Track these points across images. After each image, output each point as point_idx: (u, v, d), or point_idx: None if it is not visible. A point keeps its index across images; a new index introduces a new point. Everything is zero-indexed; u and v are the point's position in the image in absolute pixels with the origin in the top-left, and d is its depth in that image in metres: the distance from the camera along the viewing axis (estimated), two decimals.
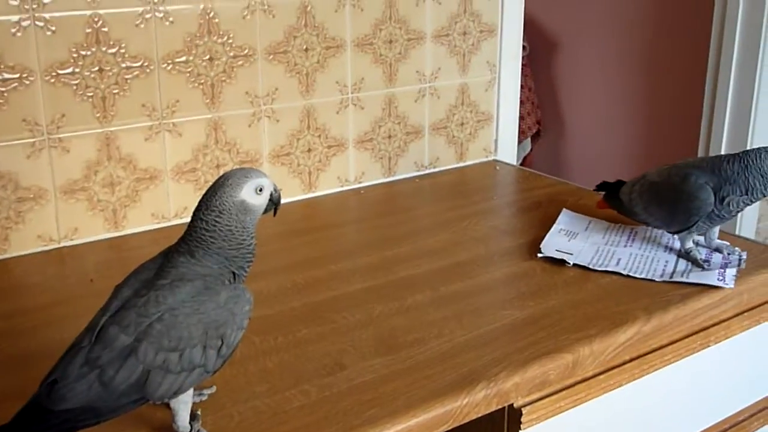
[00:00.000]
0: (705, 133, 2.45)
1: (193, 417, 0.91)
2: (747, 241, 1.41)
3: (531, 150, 3.35)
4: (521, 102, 3.25)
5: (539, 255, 1.33)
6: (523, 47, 3.23)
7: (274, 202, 0.93)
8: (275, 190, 0.92)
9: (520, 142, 3.26)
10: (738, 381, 1.33)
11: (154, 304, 0.84)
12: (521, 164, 3.30)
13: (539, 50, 3.40)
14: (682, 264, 1.31)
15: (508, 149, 1.91)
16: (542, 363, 1.03)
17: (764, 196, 1.25)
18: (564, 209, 1.51)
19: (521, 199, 1.70)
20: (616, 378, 1.13)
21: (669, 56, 3.01)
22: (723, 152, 2.38)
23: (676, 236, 1.36)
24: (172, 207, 1.47)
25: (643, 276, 1.27)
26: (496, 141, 1.89)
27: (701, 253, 1.33)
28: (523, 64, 3.25)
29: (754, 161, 1.24)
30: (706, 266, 1.29)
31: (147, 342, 0.83)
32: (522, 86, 3.25)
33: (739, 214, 2.38)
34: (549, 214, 1.51)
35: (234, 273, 0.89)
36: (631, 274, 1.27)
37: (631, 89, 3.17)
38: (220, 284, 0.88)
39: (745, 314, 1.28)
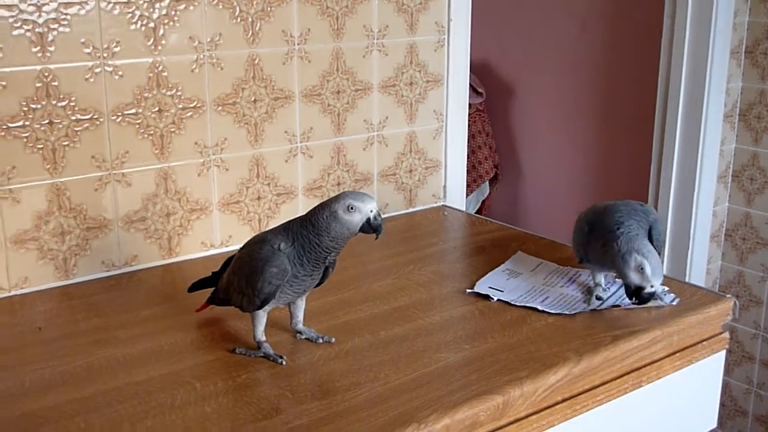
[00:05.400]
0: (654, 177, 2.53)
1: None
2: (680, 283, 1.46)
3: (489, 194, 3.41)
4: (479, 147, 3.33)
5: (467, 291, 1.39)
6: (480, 93, 3.32)
7: (371, 225, 1.14)
8: (376, 216, 1.14)
9: (478, 186, 3.32)
10: (671, 420, 1.38)
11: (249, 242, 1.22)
12: (479, 208, 3.36)
13: (496, 95, 3.48)
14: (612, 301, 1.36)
15: (456, 195, 1.96)
16: (472, 405, 1.06)
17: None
18: (519, 251, 1.56)
19: (466, 244, 1.75)
20: (548, 419, 1.16)
21: (621, 101, 3.10)
22: (672, 197, 2.45)
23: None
24: (122, 255, 1.50)
25: (557, 311, 1.32)
26: (444, 187, 1.94)
27: (604, 292, 1.40)
28: (480, 110, 3.34)
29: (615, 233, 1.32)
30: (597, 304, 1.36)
31: (233, 264, 1.21)
32: (479, 131, 3.34)
33: (689, 256, 2.47)
34: (492, 258, 1.56)
35: (296, 251, 1.14)
36: (546, 309, 1.33)
37: (586, 133, 3.25)
38: (270, 247, 1.15)
39: (677, 355, 1.33)
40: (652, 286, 1.27)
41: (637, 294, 1.29)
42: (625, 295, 1.34)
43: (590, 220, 1.38)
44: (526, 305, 1.34)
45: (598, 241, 1.34)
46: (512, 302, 1.35)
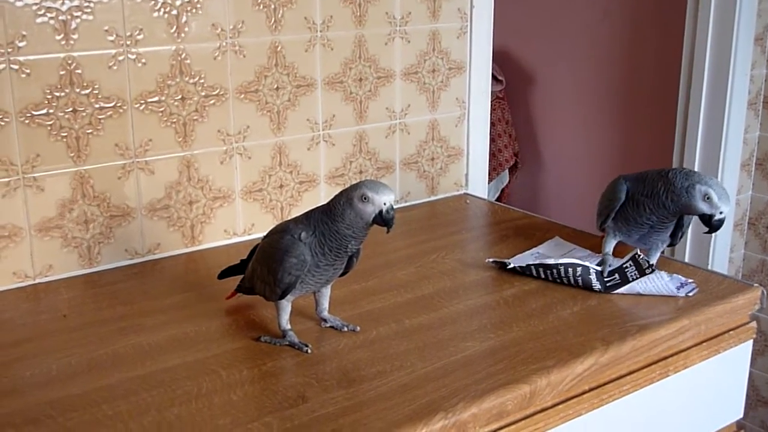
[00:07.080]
0: (677, 165, 2.50)
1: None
2: (706, 272, 1.45)
3: (509, 182, 3.39)
4: (498, 135, 3.32)
5: (487, 260, 1.47)
6: (500, 81, 3.30)
7: (383, 218, 1.11)
8: (389, 209, 1.11)
9: (497, 174, 3.30)
10: (698, 410, 1.37)
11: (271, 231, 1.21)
12: (499, 196, 3.34)
13: (516, 83, 3.45)
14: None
15: (478, 183, 1.95)
16: (499, 393, 1.06)
17: (667, 208, 1.35)
18: (557, 236, 1.58)
19: (489, 232, 1.74)
20: (575, 408, 1.16)
21: (643, 89, 3.07)
22: None
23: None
24: (145, 243, 1.50)
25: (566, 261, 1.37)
26: (466, 175, 1.93)
27: (611, 263, 1.40)
28: (500, 98, 3.32)
29: (669, 176, 1.36)
30: (604, 272, 1.38)
31: (257, 253, 1.21)
32: (499, 119, 3.32)
33: (712, 245, 2.45)
34: (516, 247, 1.55)
35: (317, 240, 1.13)
36: (561, 261, 1.37)
37: (606, 121, 3.22)
38: (291, 237, 1.14)
39: (704, 344, 1.32)
40: (721, 212, 1.31)
41: (707, 223, 1.32)
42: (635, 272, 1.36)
43: (629, 181, 1.40)
44: (543, 262, 1.39)
45: (641, 198, 1.37)
46: (523, 264, 1.40)
